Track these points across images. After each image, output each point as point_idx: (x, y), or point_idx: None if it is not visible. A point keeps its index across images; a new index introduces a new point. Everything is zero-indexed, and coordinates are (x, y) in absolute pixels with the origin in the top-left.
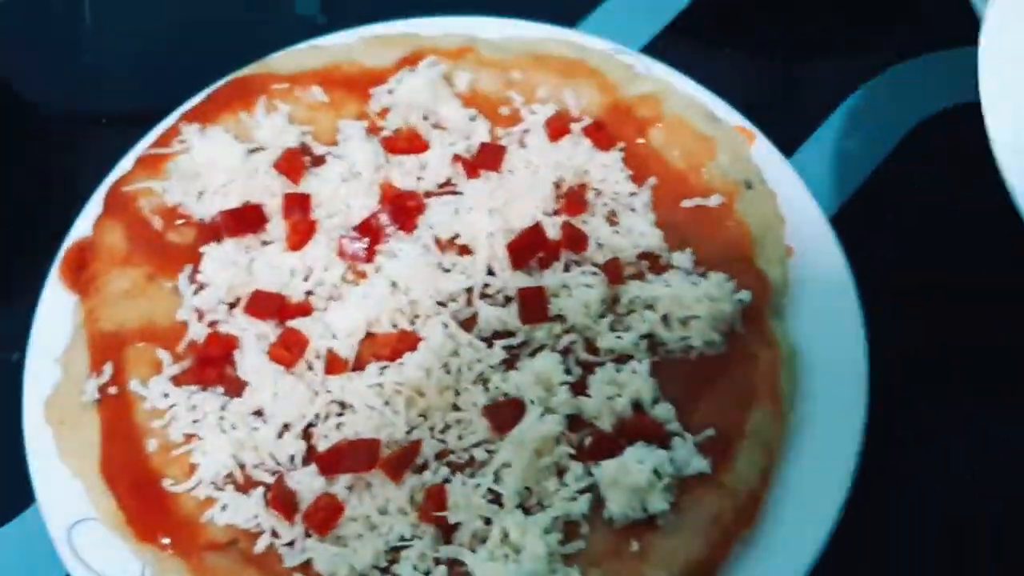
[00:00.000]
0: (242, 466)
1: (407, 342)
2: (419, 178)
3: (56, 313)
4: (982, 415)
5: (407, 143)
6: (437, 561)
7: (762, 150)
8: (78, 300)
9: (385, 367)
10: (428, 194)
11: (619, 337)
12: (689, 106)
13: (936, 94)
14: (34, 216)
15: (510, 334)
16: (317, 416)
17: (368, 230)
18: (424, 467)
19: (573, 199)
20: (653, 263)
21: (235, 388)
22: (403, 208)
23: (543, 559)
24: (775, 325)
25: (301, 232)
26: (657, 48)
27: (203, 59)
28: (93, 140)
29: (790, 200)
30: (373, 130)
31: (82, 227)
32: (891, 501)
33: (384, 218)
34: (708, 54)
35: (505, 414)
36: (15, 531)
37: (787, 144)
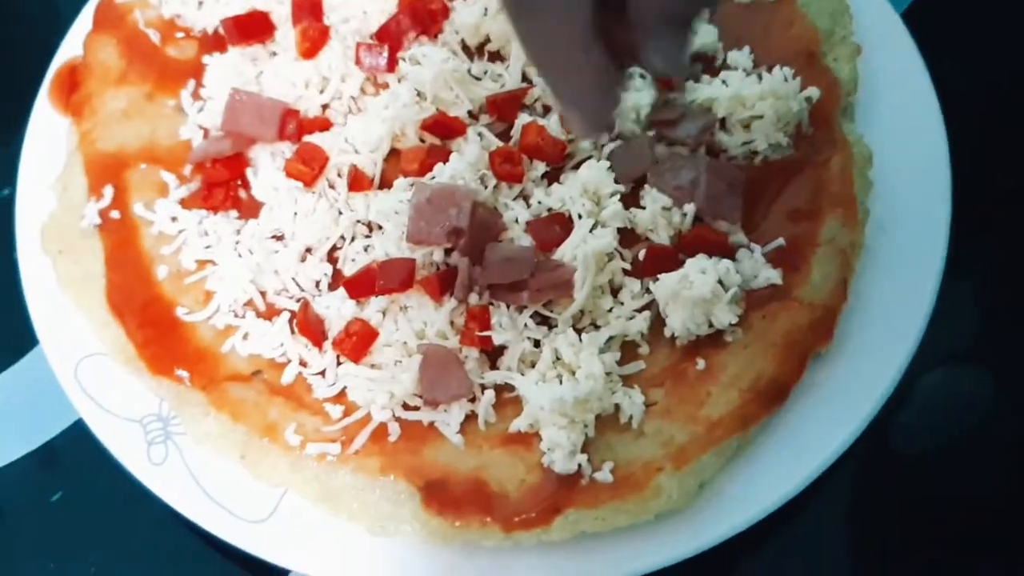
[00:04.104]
0: (263, 293)
1: (437, 155)
2: None
3: (47, 140)
4: None
5: None
6: (483, 387)
7: None
8: (70, 124)
9: (415, 182)
10: None
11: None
12: None
13: None
14: (13, 44)
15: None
16: (342, 238)
17: (388, 36)
18: (468, 289)
19: None
20: (707, 65)
21: (249, 210)
22: (425, 11)
23: (601, 378)
24: (846, 126)
25: (312, 39)
26: None
27: None
28: None
29: None
30: None
31: (70, 49)
32: (974, 309)
33: (405, 22)
34: None
35: (551, 230)
36: (20, 374)
37: None
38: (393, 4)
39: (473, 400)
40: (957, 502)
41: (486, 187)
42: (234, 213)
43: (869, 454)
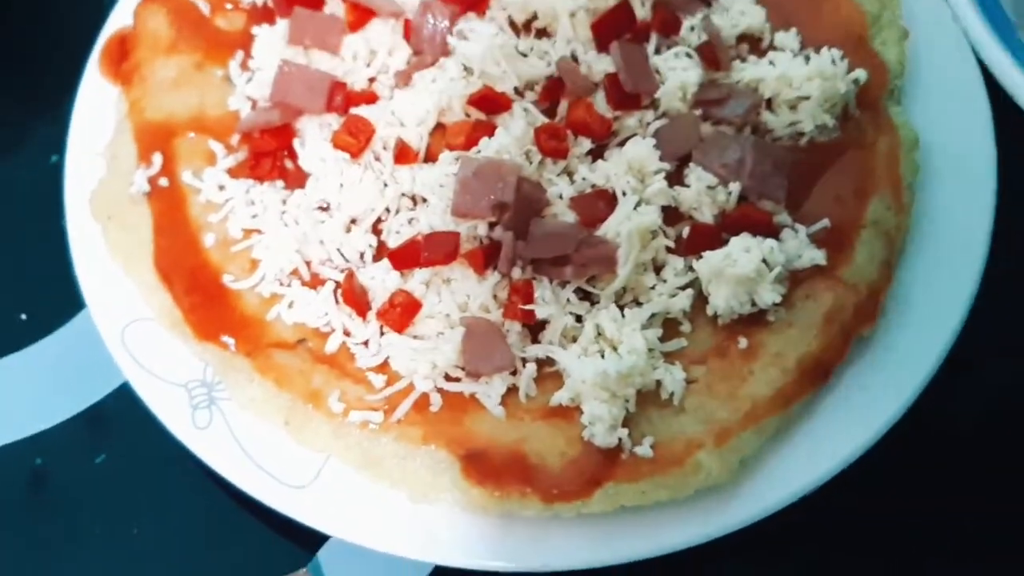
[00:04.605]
0: (308, 263)
1: (483, 130)
2: None
3: (96, 109)
4: None
5: None
6: (524, 360)
7: None
8: (120, 93)
9: (460, 157)
10: None
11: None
12: None
13: None
14: (64, 14)
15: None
16: (387, 210)
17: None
18: (511, 263)
19: None
20: (754, 46)
21: (296, 181)
22: None
23: (643, 353)
24: (893, 110)
25: (361, 10)
26: None
27: None
28: None
29: None
30: None
31: (120, 18)
32: (1018, 292)
33: None
34: None
35: (595, 206)
36: (66, 337)
37: None
38: None
39: (514, 373)
40: (998, 481)
41: (531, 163)
42: (281, 183)
43: (911, 434)
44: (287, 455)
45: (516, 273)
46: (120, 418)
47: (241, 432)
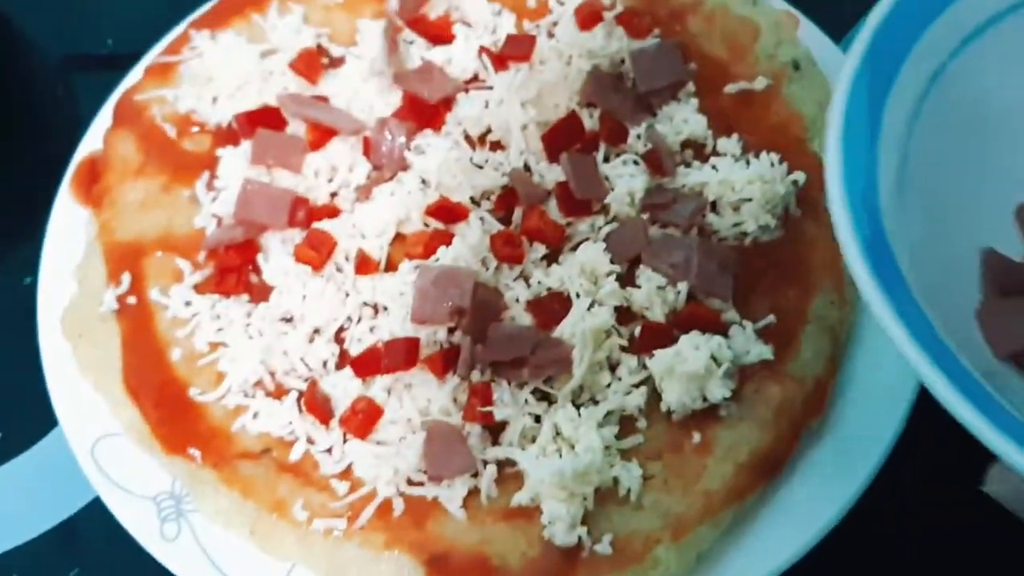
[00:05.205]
0: (272, 373)
1: (441, 239)
2: None
3: (68, 230)
4: None
5: (435, 28)
6: (485, 462)
7: (808, 35)
8: (91, 215)
9: (419, 265)
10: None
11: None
12: None
13: None
14: (38, 142)
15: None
16: (349, 319)
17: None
18: (470, 367)
19: None
20: (698, 152)
21: (260, 294)
22: (429, 105)
23: (599, 451)
24: None
25: (322, 130)
26: None
27: None
28: (93, 71)
29: None
30: (395, 31)
31: (91, 144)
32: None
33: (409, 116)
34: None
35: (550, 308)
36: (40, 454)
37: (834, 31)
38: (398, 98)
39: (476, 475)
40: (954, 558)
41: (488, 269)
42: (245, 297)
43: (867, 519)
44: (254, 565)
45: (475, 376)
46: (94, 532)
47: (209, 543)
